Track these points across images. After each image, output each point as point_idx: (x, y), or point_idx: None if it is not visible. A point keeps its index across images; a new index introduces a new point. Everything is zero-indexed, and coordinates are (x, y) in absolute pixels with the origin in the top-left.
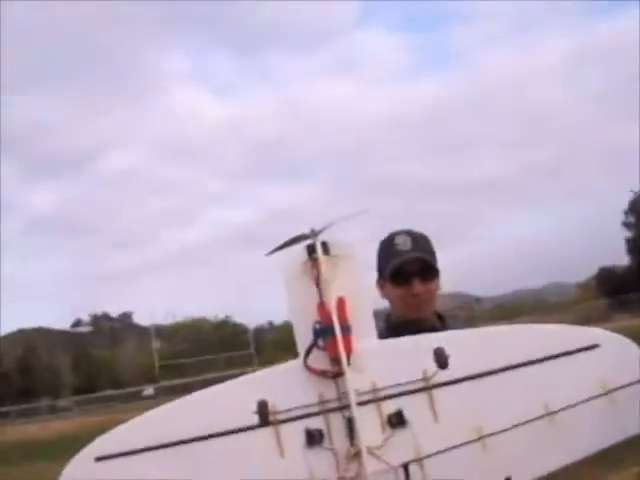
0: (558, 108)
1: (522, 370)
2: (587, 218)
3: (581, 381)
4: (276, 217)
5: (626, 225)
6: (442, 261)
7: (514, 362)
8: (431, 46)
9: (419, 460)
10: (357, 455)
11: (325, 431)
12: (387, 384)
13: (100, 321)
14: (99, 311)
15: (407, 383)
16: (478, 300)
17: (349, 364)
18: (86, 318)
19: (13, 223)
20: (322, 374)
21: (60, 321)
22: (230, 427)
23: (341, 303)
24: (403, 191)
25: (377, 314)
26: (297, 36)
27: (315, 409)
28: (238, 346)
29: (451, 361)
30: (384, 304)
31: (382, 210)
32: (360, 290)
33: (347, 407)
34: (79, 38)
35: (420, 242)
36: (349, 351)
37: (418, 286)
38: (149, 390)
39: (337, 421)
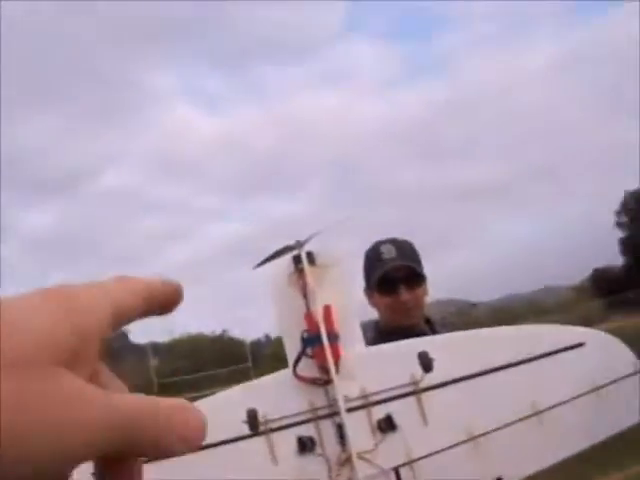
0: (547, 111)
1: (509, 371)
2: (579, 220)
3: (568, 379)
4: (271, 230)
5: (619, 225)
6: (437, 268)
7: (501, 363)
8: (420, 53)
9: (410, 463)
10: (348, 460)
11: (316, 438)
12: (376, 390)
13: None
14: None
15: (395, 388)
16: (474, 305)
17: (337, 371)
18: None
19: (6, 246)
20: (311, 382)
21: None
22: (223, 437)
23: (328, 312)
24: (396, 200)
25: (366, 325)
26: (285, 49)
27: (306, 416)
28: (236, 360)
29: (437, 364)
30: (373, 314)
31: (374, 219)
32: (346, 299)
33: (337, 414)
34: (64, 58)
35: (405, 250)
36: (337, 358)
37: (405, 293)
38: None
39: (328, 428)
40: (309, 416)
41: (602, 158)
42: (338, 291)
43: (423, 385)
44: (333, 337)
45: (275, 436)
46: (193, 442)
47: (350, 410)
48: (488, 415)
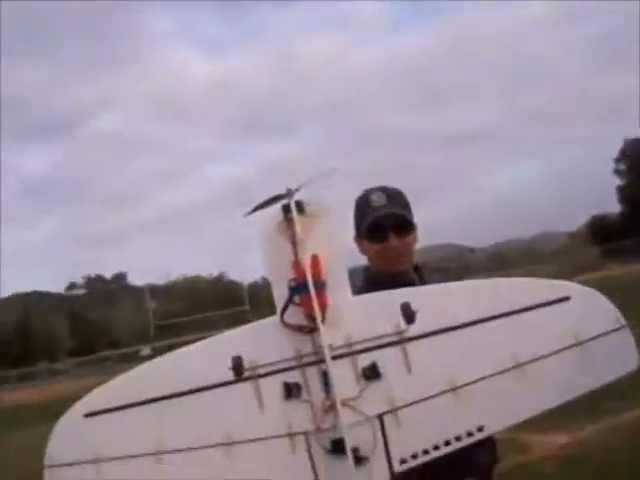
0: (547, 57)
1: (492, 323)
2: (578, 167)
3: (552, 333)
4: (268, 173)
5: (617, 173)
6: (436, 213)
7: (485, 315)
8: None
9: (394, 411)
10: (333, 407)
11: (302, 384)
12: (361, 338)
13: (94, 283)
14: (93, 273)
15: (380, 337)
16: (472, 251)
17: (324, 320)
18: (80, 281)
19: (5, 187)
20: (298, 329)
21: (55, 284)
22: (211, 382)
23: (315, 261)
24: (393, 144)
25: (355, 271)
26: None
27: (292, 363)
28: (233, 303)
29: (421, 315)
30: (363, 261)
31: (373, 163)
32: (334, 248)
33: (323, 361)
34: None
35: (395, 197)
36: (324, 307)
37: (394, 240)
38: (146, 350)
39: (313, 374)
40: (295, 363)
41: (602, 105)
42: (326, 241)
43: (408, 335)
44: (320, 286)
45: (261, 382)
46: None
47: (335, 358)
48: (471, 366)
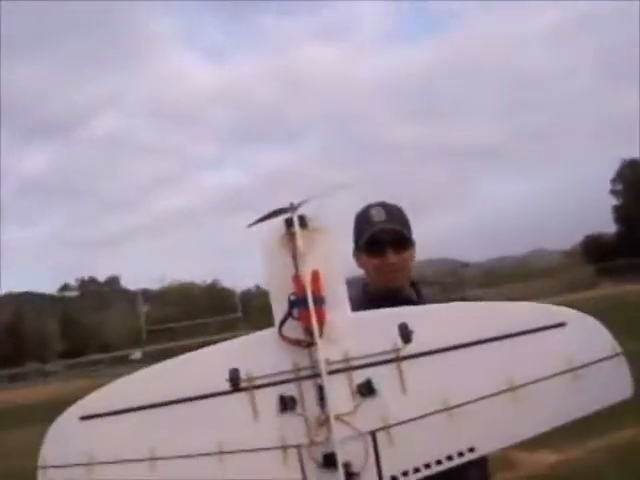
0: (547, 74)
1: (489, 345)
2: (574, 186)
3: (546, 357)
4: (265, 181)
5: (614, 193)
6: (430, 227)
7: (481, 337)
8: (423, 10)
9: (387, 428)
10: (327, 421)
11: (297, 397)
12: (358, 355)
13: (87, 285)
14: (86, 275)
15: (377, 354)
16: (465, 266)
17: (321, 334)
18: (73, 282)
19: (3, 186)
20: (296, 343)
21: (48, 285)
22: (207, 391)
23: (316, 276)
24: (392, 157)
25: (352, 281)
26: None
27: (289, 376)
28: (226, 310)
29: (418, 335)
30: (359, 272)
31: (371, 174)
32: (335, 264)
33: (319, 375)
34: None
35: (394, 214)
36: (322, 322)
37: (392, 256)
38: (137, 354)
39: (309, 388)
40: (292, 376)
41: (600, 125)
42: (328, 256)
43: (404, 354)
44: (319, 301)
45: (257, 393)
46: None
47: (331, 373)
48: (465, 387)
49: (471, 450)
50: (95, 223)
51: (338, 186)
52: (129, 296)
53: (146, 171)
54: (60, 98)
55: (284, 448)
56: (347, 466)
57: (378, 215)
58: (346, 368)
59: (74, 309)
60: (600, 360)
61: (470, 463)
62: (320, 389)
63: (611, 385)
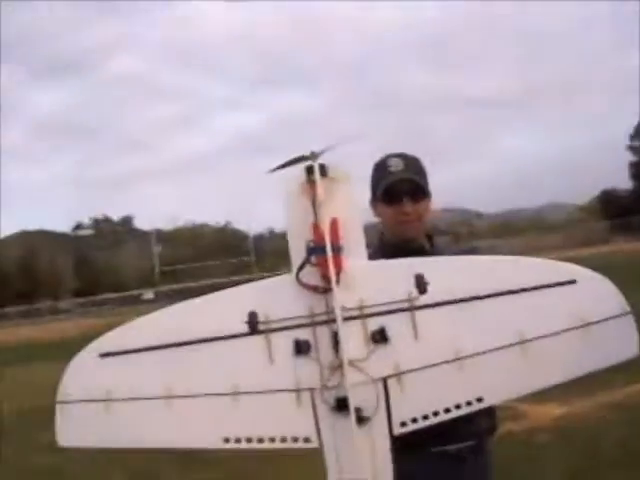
0: (567, 30)
1: (501, 299)
2: (592, 141)
3: (557, 313)
4: (282, 124)
5: (631, 149)
6: (447, 176)
7: (493, 291)
8: None
9: (398, 375)
10: (340, 366)
11: (312, 342)
12: (373, 302)
13: (101, 225)
14: (100, 215)
15: (391, 303)
16: (479, 216)
17: (338, 282)
18: (87, 221)
19: (16, 126)
20: (313, 289)
21: (62, 224)
22: (225, 333)
23: (334, 224)
24: (408, 105)
25: (368, 229)
26: None
27: (304, 321)
28: (238, 253)
29: (433, 285)
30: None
31: (387, 123)
32: (353, 213)
33: (334, 321)
34: None
35: (412, 164)
36: (339, 270)
37: (408, 205)
38: (149, 294)
39: (324, 334)
40: (307, 321)
41: (620, 81)
42: (346, 205)
43: (417, 303)
44: (337, 249)
45: (273, 336)
46: None
47: (346, 319)
48: (476, 339)
49: (479, 400)
50: (111, 163)
51: (357, 135)
52: (142, 236)
53: (162, 112)
54: (76, 38)
55: (298, 391)
56: (358, 411)
57: (396, 165)
58: (361, 315)
59: (88, 248)
60: (609, 318)
61: (478, 412)
62: (335, 335)
63: (619, 343)
